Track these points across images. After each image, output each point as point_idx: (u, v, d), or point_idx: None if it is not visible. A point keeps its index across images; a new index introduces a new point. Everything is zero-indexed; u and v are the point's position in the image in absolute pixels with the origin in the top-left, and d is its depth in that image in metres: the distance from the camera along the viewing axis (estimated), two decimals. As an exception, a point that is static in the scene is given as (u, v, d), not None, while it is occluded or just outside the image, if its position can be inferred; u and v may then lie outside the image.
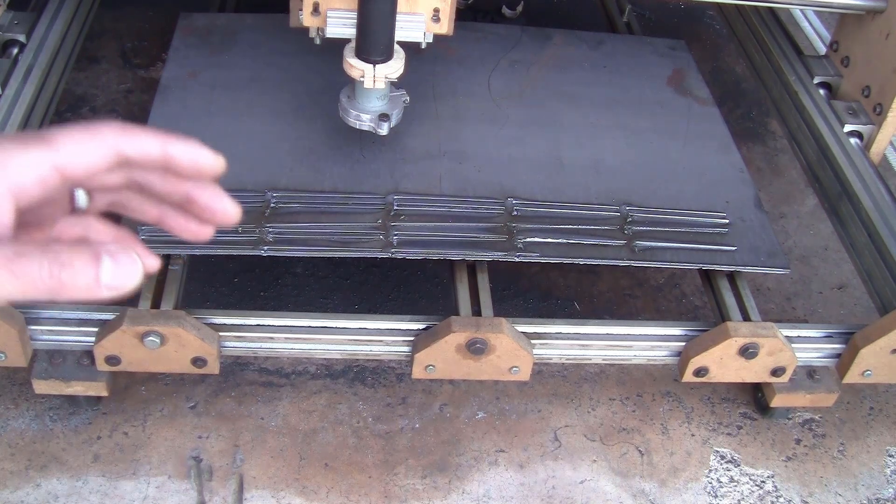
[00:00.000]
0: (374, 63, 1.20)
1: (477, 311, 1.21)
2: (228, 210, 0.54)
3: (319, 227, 1.25)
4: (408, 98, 1.33)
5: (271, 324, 1.18)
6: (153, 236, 1.16)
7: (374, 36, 1.18)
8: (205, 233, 0.56)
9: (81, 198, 0.51)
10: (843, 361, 1.26)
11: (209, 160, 0.52)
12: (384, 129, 1.29)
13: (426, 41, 1.24)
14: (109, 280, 0.46)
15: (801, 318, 1.57)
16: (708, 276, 1.34)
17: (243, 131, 1.40)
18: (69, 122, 0.48)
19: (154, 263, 0.52)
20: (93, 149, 0.48)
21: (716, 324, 1.24)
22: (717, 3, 1.90)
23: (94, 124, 0.48)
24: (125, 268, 0.46)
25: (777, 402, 1.33)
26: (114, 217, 0.55)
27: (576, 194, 1.36)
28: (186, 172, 0.52)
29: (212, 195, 0.54)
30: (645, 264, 1.28)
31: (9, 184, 0.45)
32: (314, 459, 1.27)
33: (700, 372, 1.24)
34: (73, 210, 0.51)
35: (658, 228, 1.32)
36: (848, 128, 1.47)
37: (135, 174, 0.53)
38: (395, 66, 1.22)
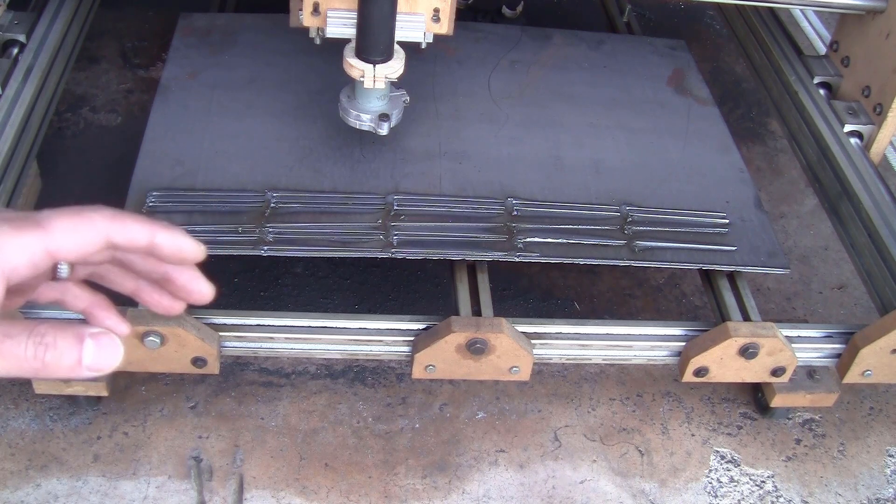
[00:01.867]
0: (374, 63, 1.20)
1: (477, 311, 1.21)
2: (203, 291, 0.57)
3: (319, 227, 1.25)
4: (408, 98, 1.33)
5: (271, 324, 1.18)
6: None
7: (374, 36, 1.18)
8: (176, 308, 0.59)
9: (64, 270, 0.53)
10: (843, 361, 1.26)
11: (192, 250, 0.54)
12: (384, 129, 1.29)
13: (426, 41, 1.24)
14: (91, 362, 0.48)
15: (801, 318, 1.57)
16: (708, 276, 1.34)
17: (243, 131, 1.40)
18: (62, 209, 0.50)
19: (125, 330, 0.55)
20: (84, 235, 0.50)
21: (716, 324, 1.24)
22: (717, 3, 1.90)
23: (85, 210, 0.50)
24: (106, 350, 0.49)
25: (777, 402, 1.33)
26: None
27: (576, 194, 1.36)
28: (169, 259, 0.54)
29: (189, 277, 0.57)
30: (645, 264, 1.28)
31: (1, 265, 0.47)
32: (314, 459, 1.27)
33: (700, 372, 1.24)
34: (55, 278, 0.53)
35: (658, 228, 1.32)
36: (848, 128, 1.47)
37: (118, 254, 0.55)
38: (395, 66, 1.22)
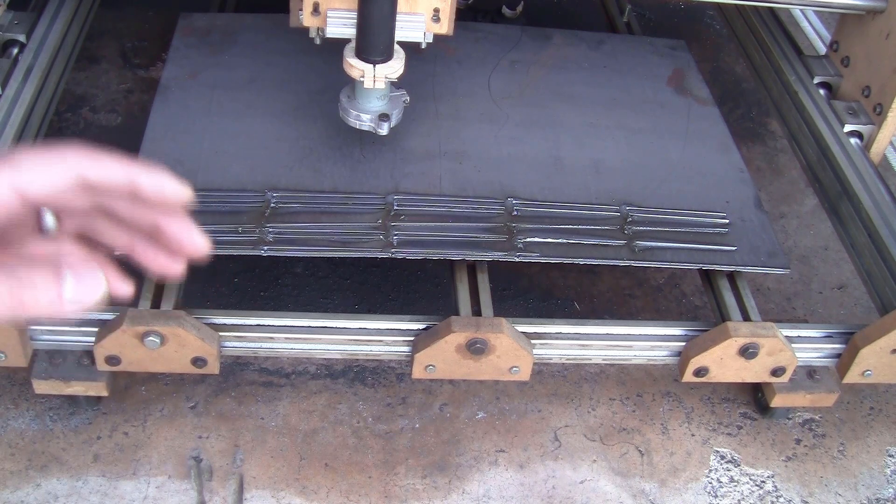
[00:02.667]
0: (374, 63, 1.20)
1: (477, 311, 1.21)
2: (197, 243, 0.54)
3: (319, 227, 1.25)
4: (408, 98, 1.33)
5: (271, 324, 1.18)
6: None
7: (374, 36, 1.18)
8: (175, 269, 0.55)
9: (49, 220, 0.51)
10: (843, 361, 1.26)
11: (174, 189, 0.51)
12: (384, 129, 1.29)
13: (426, 41, 1.24)
14: (72, 295, 0.46)
15: (801, 318, 1.57)
16: (708, 276, 1.34)
17: (243, 131, 1.40)
18: (52, 145, 0.48)
19: (127, 290, 0.52)
20: (54, 172, 0.47)
21: (716, 324, 1.24)
22: (717, 3, 1.90)
23: (59, 148, 0.48)
24: (88, 282, 0.46)
25: (777, 402, 1.33)
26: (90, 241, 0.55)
27: (576, 194, 1.36)
28: (151, 200, 0.51)
29: (181, 227, 0.54)
30: (645, 264, 1.28)
31: None
32: (314, 459, 1.27)
33: (700, 372, 1.24)
34: (42, 232, 0.51)
35: (658, 228, 1.32)
36: (848, 128, 1.47)
37: (102, 199, 0.53)
38: (395, 66, 1.22)
